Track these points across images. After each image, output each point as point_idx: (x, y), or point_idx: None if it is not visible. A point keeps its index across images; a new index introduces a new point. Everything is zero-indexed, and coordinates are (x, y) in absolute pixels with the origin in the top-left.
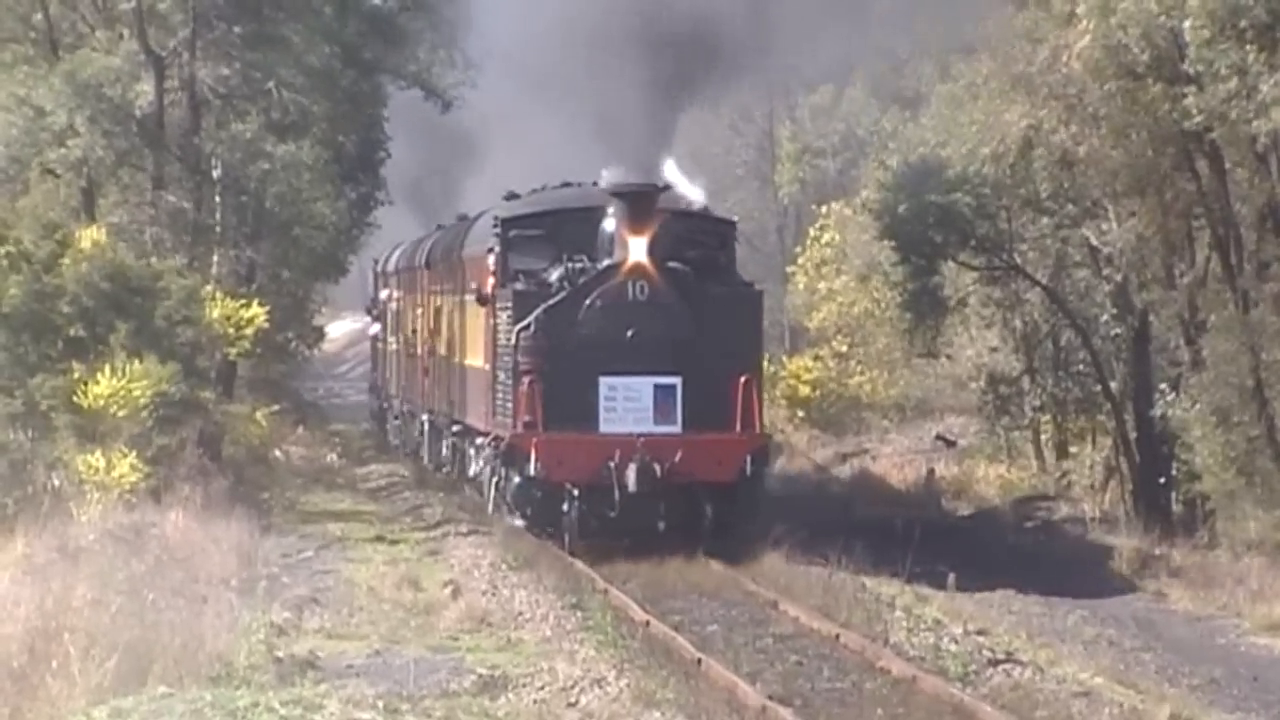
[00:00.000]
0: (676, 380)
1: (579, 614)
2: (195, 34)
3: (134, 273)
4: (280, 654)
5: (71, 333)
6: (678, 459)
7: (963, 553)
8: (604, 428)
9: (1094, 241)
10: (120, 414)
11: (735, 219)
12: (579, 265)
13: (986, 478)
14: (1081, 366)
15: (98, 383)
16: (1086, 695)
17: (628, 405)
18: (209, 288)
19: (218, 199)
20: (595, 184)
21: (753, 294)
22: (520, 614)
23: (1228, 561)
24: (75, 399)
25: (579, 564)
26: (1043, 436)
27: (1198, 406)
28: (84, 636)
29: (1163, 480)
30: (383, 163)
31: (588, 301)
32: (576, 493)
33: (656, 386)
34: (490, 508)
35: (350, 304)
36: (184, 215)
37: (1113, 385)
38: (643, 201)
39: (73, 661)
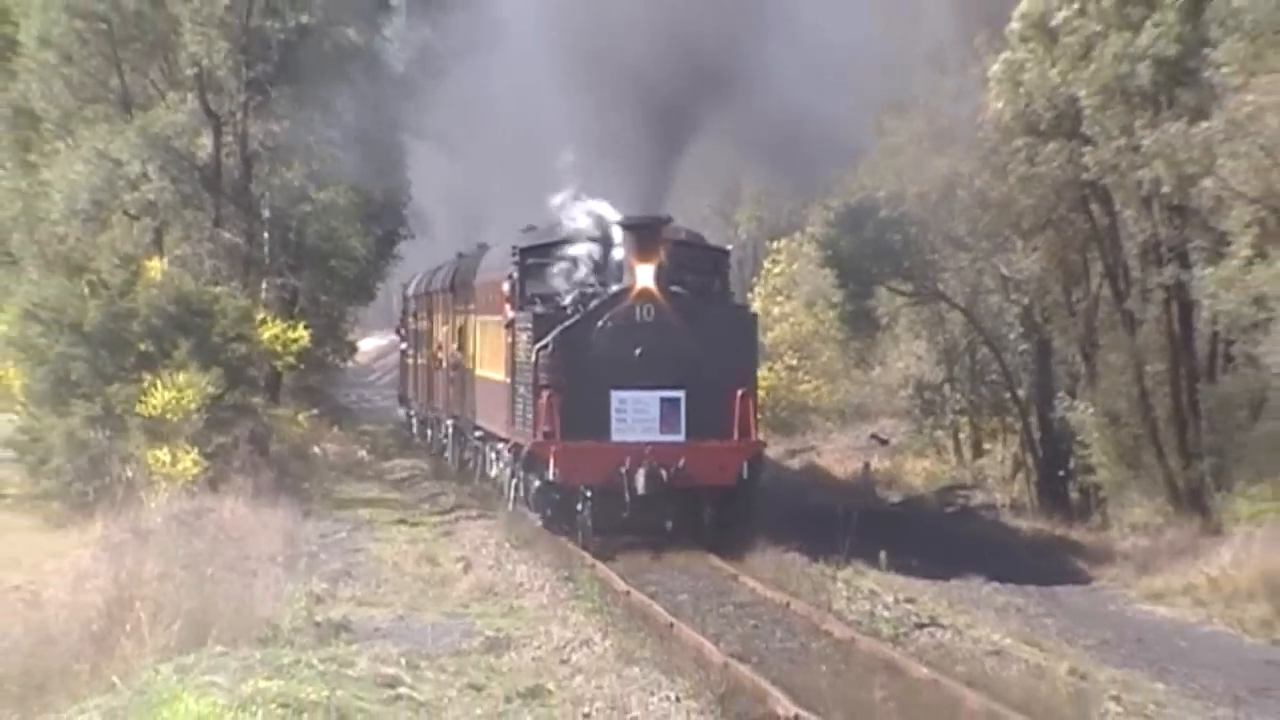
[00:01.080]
0: (680, 394)
1: (571, 585)
2: (248, 98)
3: (195, 297)
4: (319, 619)
5: (142, 348)
6: (682, 465)
7: (894, 534)
8: (615, 437)
9: (1005, 271)
10: (174, 419)
11: (729, 248)
12: (592, 290)
13: (914, 470)
14: (994, 376)
15: (154, 394)
16: (998, 653)
17: (637, 416)
18: (260, 312)
19: (266, 236)
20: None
21: (748, 315)
22: (521, 585)
23: (1117, 540)
24: (141, 405)
25: (570, 544)
26: (961, 435)
27: (1092, 410)
28: (152, 604)
29: (1062, 472)
30: (405, 204)
31: (600, 323)
32: (590, 495)
33: (663, 399)
34: (510, 506)
35: (377, 323)
36: (238, 249)
37: (1020, 392)
38: (649, 232)
39: (143, 625)
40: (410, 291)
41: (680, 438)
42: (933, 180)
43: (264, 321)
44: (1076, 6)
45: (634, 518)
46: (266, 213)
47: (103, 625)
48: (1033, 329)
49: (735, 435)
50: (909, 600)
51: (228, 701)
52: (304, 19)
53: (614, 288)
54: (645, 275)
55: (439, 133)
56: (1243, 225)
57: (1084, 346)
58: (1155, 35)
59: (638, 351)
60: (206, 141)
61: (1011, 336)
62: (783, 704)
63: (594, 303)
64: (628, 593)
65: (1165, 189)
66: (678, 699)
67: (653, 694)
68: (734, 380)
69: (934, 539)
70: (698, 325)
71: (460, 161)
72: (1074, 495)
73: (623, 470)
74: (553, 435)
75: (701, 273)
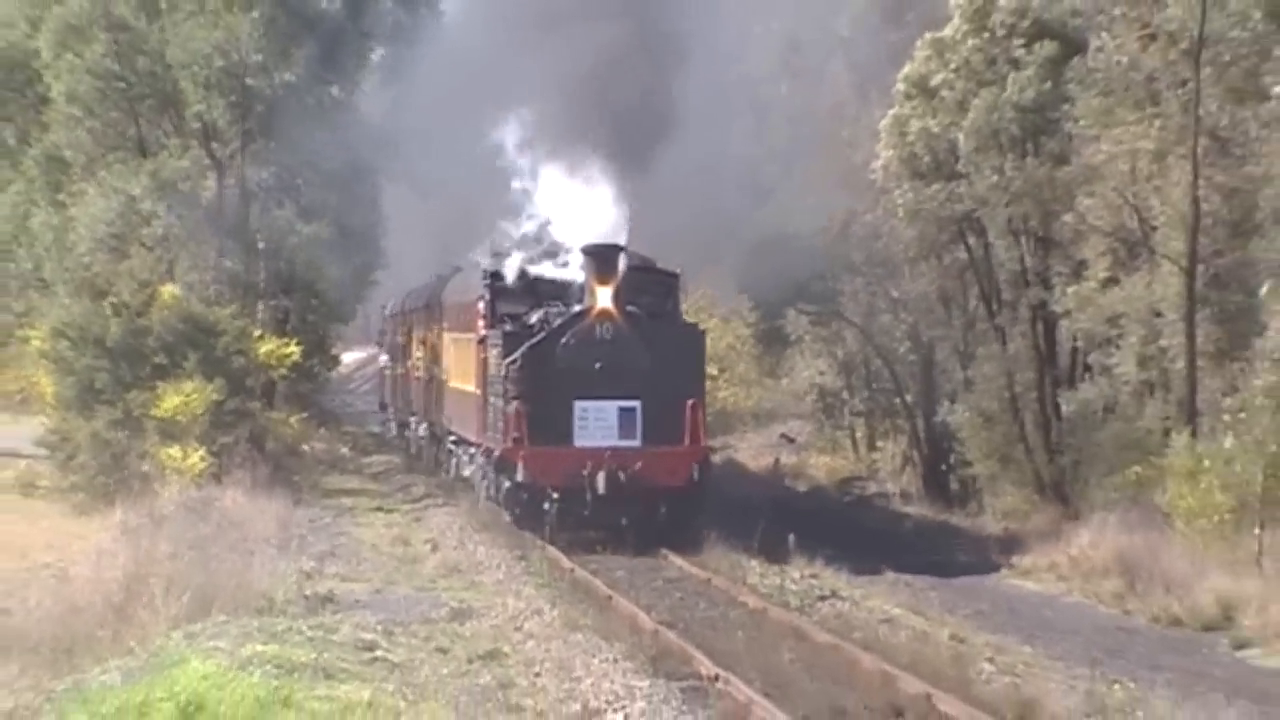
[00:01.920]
0: (637, 403)
1: (524, 563)
2: (244, 145)
3: (201, 317)
4: (308, 592)
5: (156, 360)
6: (638, 468)
7: (800, 519)
8: (578, 442)
9: (894, 294)
10: (184, 421)
11: (679, 271)
12: (556, 310)
13: (817, 464)
14: (885, 384)
15: (167, 400)
16: (889, 621)
17: (597, 424)
18: (257, 331)
19: (262, 264)
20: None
21: (697, 333)
22: (481, 563)
23: (991, 525)
24: (155, 409)
25: (525, 530)
26: (857, 434)
27: (969, 413)
28: (165, 580)
29: (944, 466)
30: (379, 237)
31: (563, 340)
32: (556, 495)
33: (620, 408)
34: (481, 504)
35: (357, 339)
36: (238, 276)
37: (908, 397)
38: (608, 258)
39: (157, 598)
40: (389, 311)
41: (636, 443)
42: (833, 216)
43: (260, 338)
44: (953, 68)
45: (595, 515)
46: (261, 245)
47: (122, 598)
48: (918, 343)
49: (686, 441)
50: (813, 576)
51: (230, 663)
52: (288, 77)
53: (576, 308)
54: (604, 296)
55: (409, 174)
56: (1097, 254)
57: (962, 358)
58: (1018, 87)
59: (597, 365)
60: (210, 184)
61: (900, 350)
62: (705, 665)
63: (558, 321)
64: (572, 570)
65: (1032, 223)
66: (615, 660)
67: (594, 656)
68: (685, 391)
69: (834, 523)
70: (652, 342)
71: (428, 197)
72: (954, 486)
73: (584, 472)
74: (521, 441)
75: (655, 294)
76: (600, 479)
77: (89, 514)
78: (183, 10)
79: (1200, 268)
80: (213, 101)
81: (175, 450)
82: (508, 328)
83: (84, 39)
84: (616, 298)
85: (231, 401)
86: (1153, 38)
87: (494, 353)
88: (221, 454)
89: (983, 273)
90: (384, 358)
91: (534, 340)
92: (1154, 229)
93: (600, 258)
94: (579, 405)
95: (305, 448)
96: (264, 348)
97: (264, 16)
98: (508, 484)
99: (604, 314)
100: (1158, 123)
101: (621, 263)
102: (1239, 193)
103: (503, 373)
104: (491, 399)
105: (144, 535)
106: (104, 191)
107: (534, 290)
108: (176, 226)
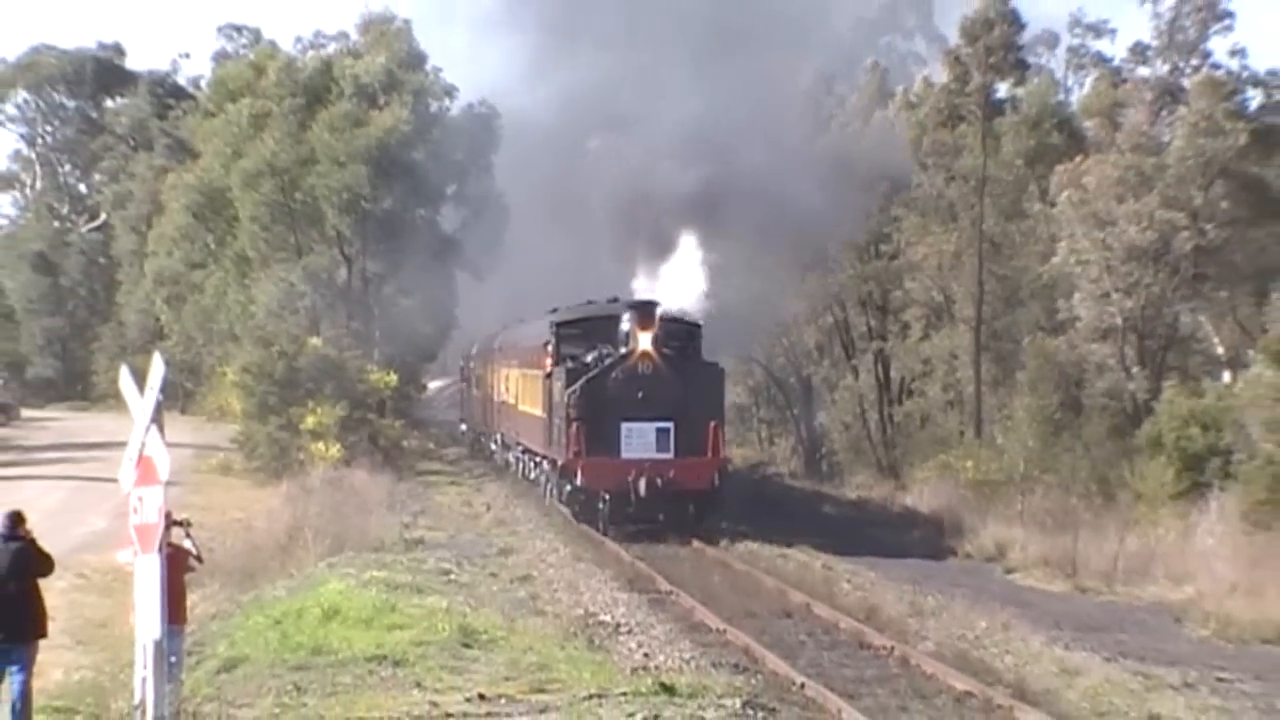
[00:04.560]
0: (670, 424)
1: (546, 519)
2: (364, 248)
3: (335, 359)
4: (406, 537)
5: (306, 387)
6: (671, 475)
7: (724, 489)
8: (624, 455)
9: (786, 344)
10: (325, 426)
11: (700, 322)
12: (605, 351)
13: (736, 454)
14: (780, 402)
15: (311, 414)
16: (783, 556)
17: (639, 440)
18: (371, 367)
19: (375, 325)
20: (615, 299)
21: (718, 370)
22: (519, 519)
23: (849, 494)
24: (307, 418)
25: (547, 496)
26: (762, 434)
27: (834, 420)
28: (314, 529)
29: (818, 455)
30: (453, 307)
31: (613, 375)
32: (607, 496)
33: (658, 428)
34: (547, 501)
35: (437, 373)
36: (359, 332)
37: (795, 410)
38: (648, 310)
39: (308, 541)
40: (468, 351)
41: (670, 455)
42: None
43: (374, 372)
44: None
45: (637, 513)
46: (375, 312)
47: (286, 541)
48: (802, 376)
49: (709, 453)
50: (732, 527)
51: (356, 583)
52: (388, 204)
53: (622, 350)
54: (645, 340)
55: (474, 266)
56: (917, 319)
57: (830, 385)
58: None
59: (640, 394)
60: (342, 272)
61: (790, 380)
62: (663, 584)
63: (608, 360)
64: (577, 524)
65: (875, 298)
66: (606, 581)
67: (593, 578)
68: (708, 415)
69: (746, 491)
70: (682, 376)
71: (486, 280)
72: (825, 468)
73: (629, 479)
74: (580, 454)
75: (681, 339)
76: (642, 484)
77: (264, 486)
78: (325, 163)
79: (983, 327)
80: (343, 219)
81: (320, 445)
82: (569, 365)
83: (260, 180)
84: (655, 342)
85: (356, 413)
86: (953, 178)
87: (558, 385)
88: (350, 447)
89: (843, 331)
90: (464, 383)
91: (590, 375)
92: (953, 302)
93: (642, 310)
94: (625, 426)
95: (404, 443)
96: (375, 377)
97: (374, 165)
98: (569, 487)
99: (645, 355)
100: (955, 233)
101: (657, 315)
102: (1008, 279)
103: (565, 400)
104: (555, 420)
105: (300, 500)
106: (273, 279)
107: (589, 335)
108: (320, 301)
